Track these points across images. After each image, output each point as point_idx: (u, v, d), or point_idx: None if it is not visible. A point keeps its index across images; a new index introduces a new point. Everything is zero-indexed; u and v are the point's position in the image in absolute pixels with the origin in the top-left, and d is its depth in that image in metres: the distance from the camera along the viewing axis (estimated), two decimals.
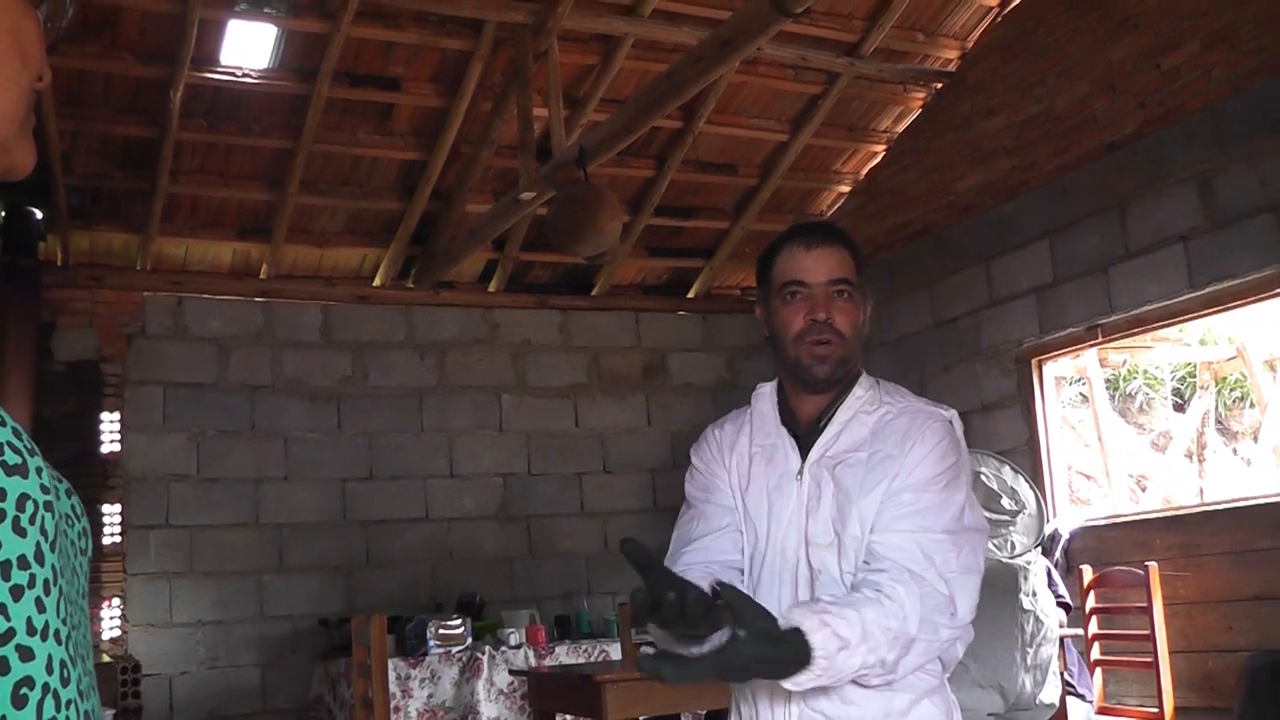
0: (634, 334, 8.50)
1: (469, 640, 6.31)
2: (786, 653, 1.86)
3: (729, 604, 1.83)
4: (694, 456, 2.40)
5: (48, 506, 0.98)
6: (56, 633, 0.96)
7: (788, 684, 1.90)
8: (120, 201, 7.04)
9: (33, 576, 0.95)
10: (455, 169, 7.30)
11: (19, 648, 0.93)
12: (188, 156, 6.88)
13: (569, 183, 5.85)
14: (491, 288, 8.16)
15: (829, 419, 2.25)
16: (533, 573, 7.91)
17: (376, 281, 7.88)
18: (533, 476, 8.06)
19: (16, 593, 0.93)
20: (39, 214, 6.75)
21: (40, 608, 0.95)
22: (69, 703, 0.96)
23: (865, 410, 2.24)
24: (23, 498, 0.95)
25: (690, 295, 8.69)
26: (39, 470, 0.98)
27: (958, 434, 2.21)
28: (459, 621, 6.34)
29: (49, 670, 0.95)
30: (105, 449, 7.03)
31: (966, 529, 2.13)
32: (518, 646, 6.29)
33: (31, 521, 0.95)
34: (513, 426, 8.05)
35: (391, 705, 5.75)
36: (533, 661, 6.20)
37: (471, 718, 6.06)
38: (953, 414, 2.24)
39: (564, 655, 6.40)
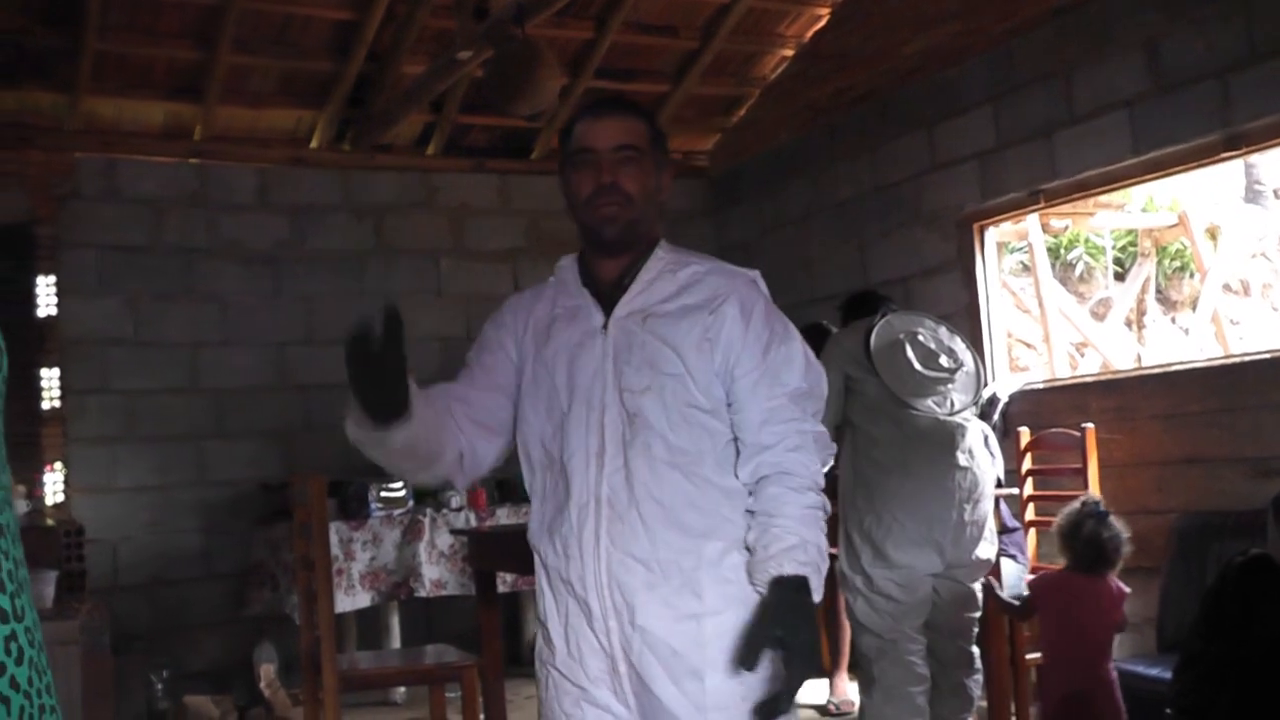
0: None
1: (410, 503, 6.34)
2: (791, 598, 2.10)
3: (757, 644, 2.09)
4: (487, 324, 2.57)
5: None
6: None
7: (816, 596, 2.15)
8: (46, 59, 6.82)
9: None
10: (391, 29, 7.13)
11: None
12: (115, 12, 6.66)
13: (506, 40, 5.74)
14: (429, 150, 8.03)
15: (632, 278, 2.37)
16: None
17: (313, 144, 7.74)
18: (472, 340, 7.94)
19: None
20: None
21: None
22: None
23: (670, 269, 2.37)
24: None
25: None
26: None
27: (764, 289, 2.40)
28: (400, 485, 6.36)
29: None
30: (41, 313, 6.92)
31: (812, 369, 2.35)
32: (459, 509, 6.32)
33: None
34: (451, 290, 7.99)
35: (334, 568, 5.78)
36: (474, 524, 6.24)
37: (413, 580, 6.10)
38: (755, 274, 2.41)
39: (504, 517, 6.44)
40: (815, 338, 5.34)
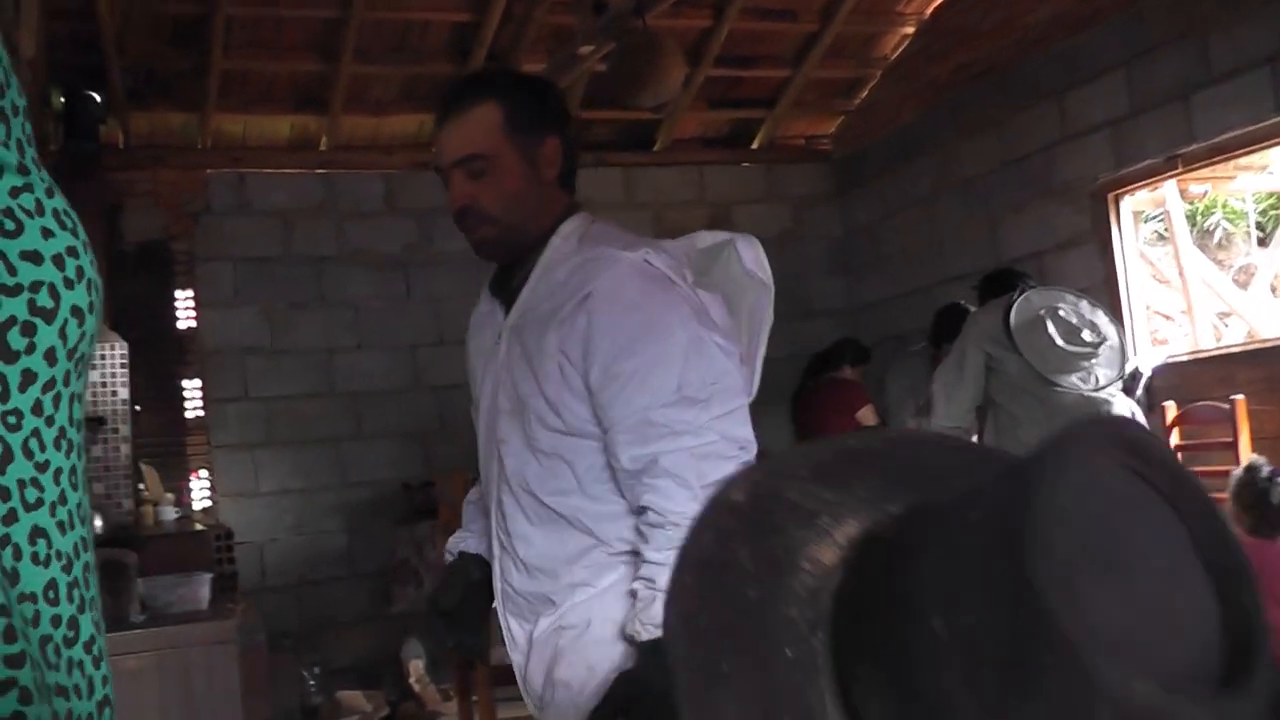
0: (697, 188, 8.39)
1: None
2: (641, 667, 1.85)
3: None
4: None
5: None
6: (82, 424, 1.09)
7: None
8: (175, 81, 7.00)
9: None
10: (509, 28, 7.17)
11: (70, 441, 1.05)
12: (239, 31, 6.80)
13: (628, 33, 5.74)
14: None
15: (524, 278, 2.10)
16: None
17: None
18: None
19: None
20: (97, 98, 6.74)
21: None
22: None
23: (560, 260, 2.06)
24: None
25: (753, 146, 8.56)
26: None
27: (658, 268, 2.01)
28: None
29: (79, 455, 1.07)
30: (181, 325, 7.11)
31: (702, 364, 1.93)
32: None
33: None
34: None
35: None
36: None
37: None
38: (644, 252, 2.02)
39: None
40: (953, 318, 5.26)
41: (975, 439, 4.75)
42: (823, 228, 8.62)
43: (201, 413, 7.07)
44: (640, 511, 1.91)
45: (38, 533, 0.91)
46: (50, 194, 0.96)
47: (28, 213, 0.92)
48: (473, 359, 2.24)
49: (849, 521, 0.72)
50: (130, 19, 6.59)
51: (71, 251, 0.95)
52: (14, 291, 0.90)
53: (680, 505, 1.85)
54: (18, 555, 0.91)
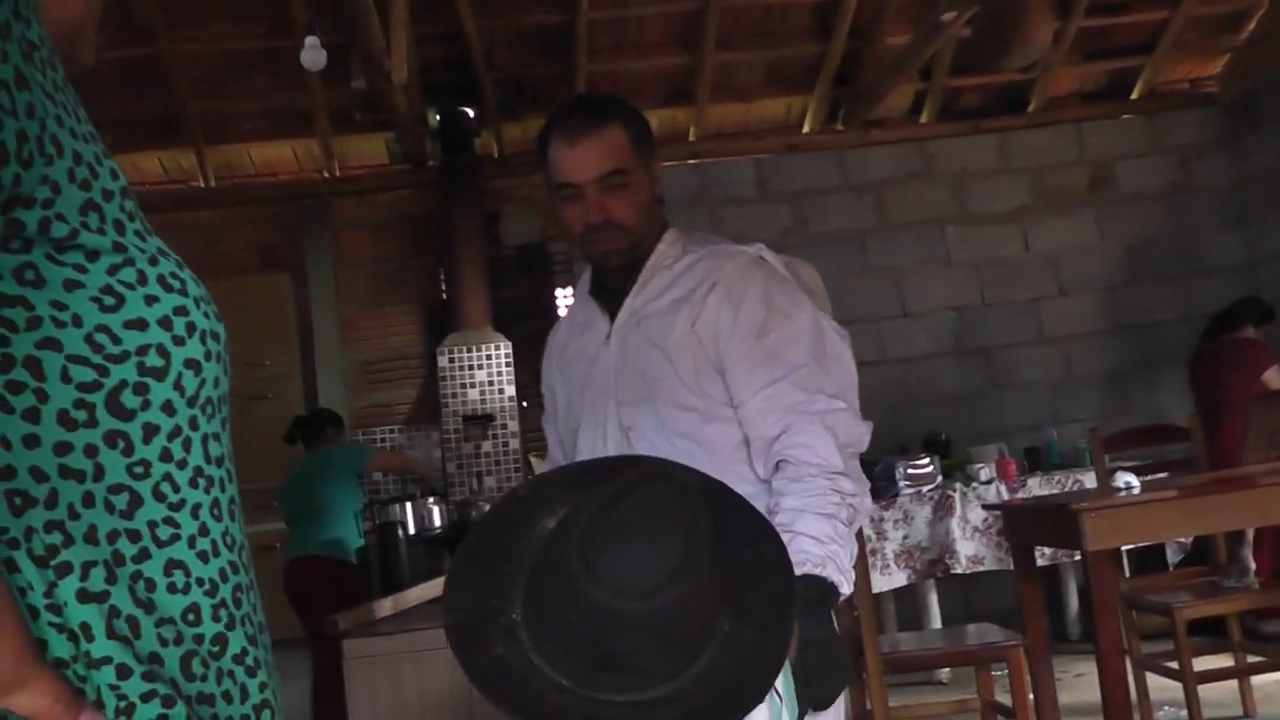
0: (1076, 146, 8.03)
1: (939, 479, 6.23)
2: (811, 596, 1.86)
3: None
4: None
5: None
6: None
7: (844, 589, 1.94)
8: (543, 89, 7.29)
9: None
10: (870, 3, 7.07)
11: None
12: (601, 34, 7.00)
13: None
14: (923, 119, 7.91)
15: (633, 281, 2.21)
16: (995, 406, 7.70)
17: (805, 129, 7.80)
18: (986, 307, 7.82)
19: None
20: (470, 113, 7.12)
21: None
22: None
23: (665, 265, 2.20)
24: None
25: (1134, 96, 8.10)
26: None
27: (772, 263, 2.18)
28: (927, 461, 6.26)
29: None
30: None
31: (825, 342, 2.10)
32: (988, 482, 6.16)
33: None
34: (960, 258, 7.84)
35: (868, 548, 5.76)
36: (1004, 496, 6.06)
37: (949, 556, 5.99)
38: (758, 248, 2.20)
39: (1036, 487, 6.22)
40: None
41: None
42: (1213, 177, 8.09)
43: None
44: (778, 467, 2.04)
45: (174, 565, 1.06)
46: (154, 262, 1.07)
47: (128, 286, 1.04)
48: (568, 367, 2.34)
49: (568, 506, 1.41)
50: (496, 35, 6.88)
51: (180, 310, 1.06)
52: (120, 359, 1.02)
53: (824, 455, 2.00)
54: (151, 588, 1.04)
